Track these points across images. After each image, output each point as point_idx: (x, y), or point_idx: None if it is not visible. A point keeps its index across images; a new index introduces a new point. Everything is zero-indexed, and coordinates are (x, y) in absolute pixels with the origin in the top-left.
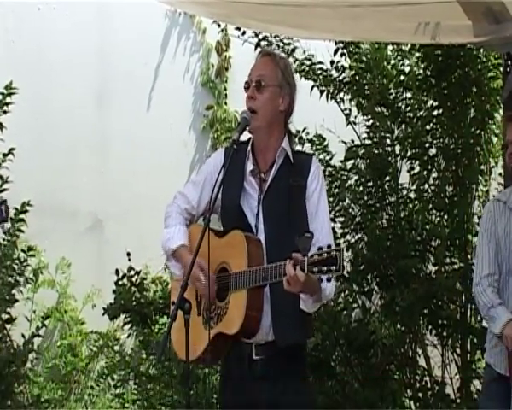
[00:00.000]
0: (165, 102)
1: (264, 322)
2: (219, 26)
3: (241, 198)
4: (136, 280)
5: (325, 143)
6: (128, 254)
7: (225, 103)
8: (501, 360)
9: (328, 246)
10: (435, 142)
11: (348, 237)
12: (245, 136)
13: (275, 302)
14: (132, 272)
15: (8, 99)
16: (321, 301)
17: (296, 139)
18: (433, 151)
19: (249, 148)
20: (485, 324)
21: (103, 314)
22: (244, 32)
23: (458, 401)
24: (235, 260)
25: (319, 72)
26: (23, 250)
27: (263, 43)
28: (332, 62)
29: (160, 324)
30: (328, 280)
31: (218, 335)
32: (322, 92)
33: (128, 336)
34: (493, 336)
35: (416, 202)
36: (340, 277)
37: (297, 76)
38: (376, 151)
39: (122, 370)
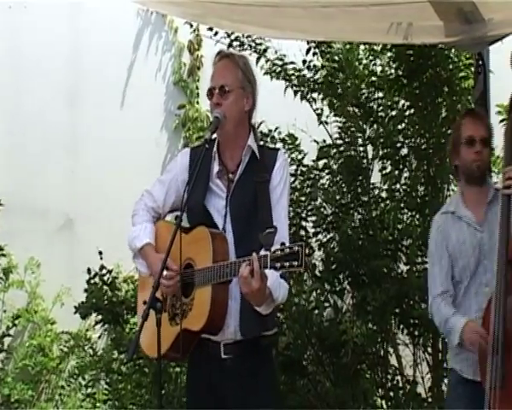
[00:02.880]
0: (137, 102)
1: (232, 320)
2: (191, 26)
3: (206, 199)
4: (108, 279)
5: (297, 142)
6: (100, 252)
7: (197, 102)
8: (467, 366)
9: (282, 243)
10: (407, 141)
11: (320, 237)
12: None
13: (243, 299)
14: (104, 271)
15: None
16: (274, 304)
17: (268, 139)
18: (404, 151)
19: (215, 148)
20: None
21: (75, 313)
22: (216, 33)
23: (430, 400)
24: (200, 256)
25: (291, 72)
26: None
27: (235, 43)
28: (304, 62)
29: (132, 323)
30: (282, 277)
31: (183, 331)
32: (296, 93)
33: (99, 337)
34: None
35: (388, 202)
36: (312, 276)
37: (268, 77)
38: (348, 151)
39: (93, 369)
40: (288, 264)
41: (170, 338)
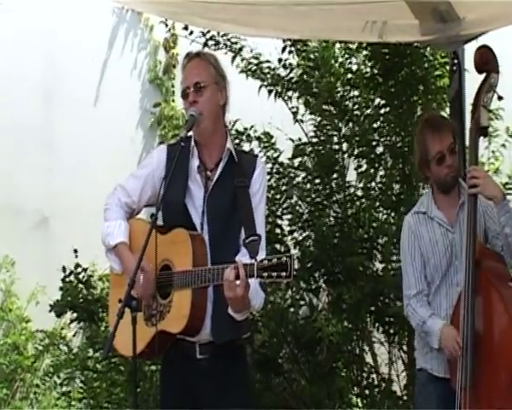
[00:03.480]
0: (113, 99)
1: (207, 321)
2: (167, 25)
3: (186, 197)
4: (83, 277)
5: (273, 140)
6: (75, 251)
7: (173, 100)
8: (438, 364)
9: (269, 253)
10: (382, 140)
11: (296, 235)
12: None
13: (217, 302)
14: (79, 269)
15: None
16: (249, 311)
17: (244, 137)
18: (380, 149)
19: (193, 144)
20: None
21: (50, 311)
22: (192, 32)
23: (405, 397)
24: (179, 258)
25: (267, 70)
26: None
27: (210, 42)
28: (280, 60)
29: (107, 321)
30: (263, 288)
31: (160, 333)
32: (270, 92)
33: (74, 335)
34: (425, 344)
35: (363, 200)
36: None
37: (244, 76)
38: (324, 149)
39: (68, 368)
40: (275, 274)
41: (145, 339)
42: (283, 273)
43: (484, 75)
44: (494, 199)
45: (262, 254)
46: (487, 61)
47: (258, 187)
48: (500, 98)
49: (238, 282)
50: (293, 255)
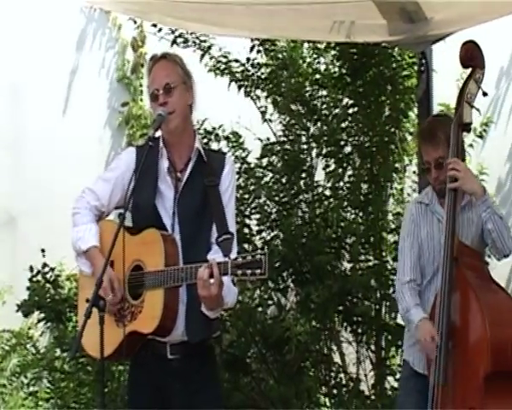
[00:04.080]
0: (81, 98)
1: (179, 321)
2: (135, 22)
3: (156, 198)
4: (51, 277)
5: (241, 140)
6: (42, 250)
7: (141, 100)
8: (419, 359)
9: (245, 251)
10: (350, 140)
11: (264, 234)
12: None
13: (190, 302)
14: (47, 269)
15: None
16: (222, 308)
17: (212, 136)
18: (348, 149)
19: (161, 144)
20: (400, 321)
21: (17, 311)
22: (160, 29)
23: (373, 397)
24: (150, 258)
25: (235, 69)
26: None
27: (179, 40)
28: (248, 59)
29: (75, 321)
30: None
31: (131, 333)
32: (240, 87)
33: (41, 335)
34: (411, 335)
35: (332, 200)
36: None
37: (213, 74)
38: (292, 149)
39: (35, 368)
40: (250, 272)
41: (116, 340)
42: (258, 271)
43: (469, 70)
44: (474, 194)
45: (234, 252)
46: (473, 57)
47: (227, 185)
48: (485, 94)
49: (212, 280)
50: (267, 253)
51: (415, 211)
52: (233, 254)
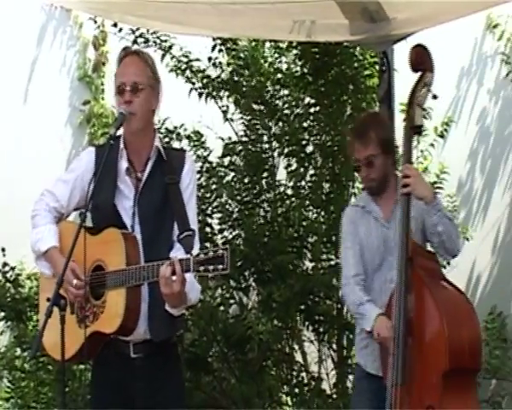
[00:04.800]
0: (41, 97)
1: (142, 320)
2: (95, 22)
3: (115, 198)
4: (11, 276)
5: (203, 139)
6: (3, 249)
7: (102, 98)
8: (372, 361)
9: (205, 247)
10: (312, 139)
11: (226, 234)
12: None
13: (152, 300)
14: (7, 268)
15: None
16: (186, 305)
17: (174, 136)
18: (310, 148)
19: (122, 146)
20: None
21: None
22: (121, 29)
23: (334, 396)
24: (111, 258)
25: (196, 69)
26: None
27: (140, 40)
28: (210, 59)
29: (35, 320)
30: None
31: (94, 333)
32: (200, 95)
33: (1, 334)
34: (363, 338)
35: (293, 199)
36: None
37: (174, 74)
38: (254, 148)
39: None
40: (212, 267)
41: (79, 341)
42: (220, 266)
43: (419, 74)
44: (424, 199)
45: (196, 249)
46: (422, 60)
47: (188, 182)
48: (435, 97)
49: (174, 278)
50: (229, 248)
51: (352, 214)
52: (195, 251)
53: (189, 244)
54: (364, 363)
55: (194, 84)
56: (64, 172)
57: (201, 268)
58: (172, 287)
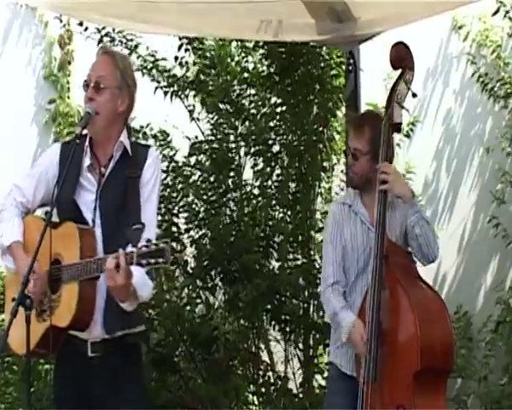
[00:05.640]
0: (7, 96)
1: (98, 316)
2: (61, 21)
3: (76, 193)
4: None
5: (169, 138)
6: None
7: (68, 97)
8: (347, 361)
9: (148, 240)
10: (279, 138)
11: (192, 233)
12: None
13: (109, 295)
14: None
15: None
16: (138, 301)
17: (140, 135)
18: (276, 148)
19: (87, 143)
20: (327, 319)
21: None
22: (86, 28)
23: (301, 395)
24: (67, 251)
25: (162, 69)
26: None
27: (105, 39)
28: (176, 58)
29: (0, 320)
30: (148, 274)
31: (50, 327)
32: (165, 94)
33: None
34: (338, 337)
35: (260, 199)
36: (183, 272)
37: (140, 74)
38: (220, 147)
39: None
40: (153, 261)
41: (37, 334)
42: (160, 260)
43: (399, 71)
44: (403, 197)
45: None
46: (403, 58)
47: (149, 177)
48: (414, 95)
49: (119, 271)
50: (169, 241)
51: (338, 212)
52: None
53: (135, 237)
54: (339, 362)
55: (160, 83)
56: (30, 167)
57: (143, 261)
58: (116, 280)
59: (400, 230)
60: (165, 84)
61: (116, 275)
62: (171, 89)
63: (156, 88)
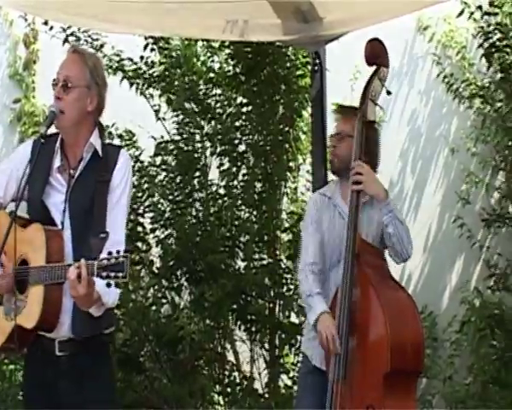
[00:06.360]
0: None
1: (66, 318)
2: (26, 20)
3: (45, 194)
4: None
5: (134, 138)
6: None
7: (33, 97)
8: (317, 354)
9: (118, 252)
10: (245, 138)
11: (158, 233)
12: (53, 129)
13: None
14: None
15: None
16: (104, 307)
17: (106, 134)
18: (242, 148)
19: (58, 143)
20: (294, 319)
21: None
22: (52, 27)
23: (266, 395)
24: (34, 253)
25: (128, 68)
26: None
27: (71, 38)
28: (142, 58)
29: None
30: (108, 286)
31: (18, 327)
32: (131, 85)
33: None
34: (311, 329)
35: (226, 198)
36: (149, 272)
37: (105, 73)
38: (186, 147)
39: None
40: (113, 274)
41: (5, 332)
42: (120, 274)
43: (374, 68)
44: (376, 197)
45: (105, 253)
46: (378, 55)
47: (119, 181)
48: (389, 93)
49: (81, 281)
50: (129, 255)
51: (319, 201)
52: (103, 255)
53: (97, 248)
54: (311, 354)
55: (126, 77)
56: (2, 162)
57: (104, 274)
58: (78, 290)
59: (377, 228)
60: (130, 74)
61: (78, 285)
62: (137, 80)
63: (122, 79)
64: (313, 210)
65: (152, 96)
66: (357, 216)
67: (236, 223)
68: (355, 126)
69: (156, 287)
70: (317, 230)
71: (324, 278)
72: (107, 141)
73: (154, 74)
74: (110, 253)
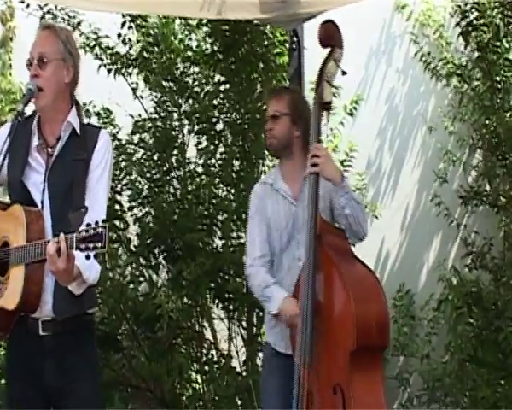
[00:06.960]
0: None
1: (48, 297)
2: None
3: (25, 174)
4: None
5: (112, 116)
6: None
7: (10, 74)
8: (280, 340)
9: (96, 222)
10: (222, 117)
11: (135, 211)
12: (31, 108)
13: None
14: None
15: None
16: (86, 284)
17: (83, 112)
18: (220, 126)
19: (35, 122)
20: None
21: None
22: (28, 5)
23: (244, 373)
24: (14, 234)
25: (105, 46)
26: None
27: (48, 16)
28: (119, 36)
29: None
30: (88, 258)
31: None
32: (109, 71)
33: None
34: (271, 317)
35: (203, 177)
36: (127, 250)
37: (83, 51)
38: (163, 125)
39: None
40: (92, 245)
41: None
42: (99, 244)
43: (328, 50)
44: (332, 180)
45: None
46: (332, 36)
47: (99, 160)
48: (344, 73)
49: (59, 254)
50: (107, 225)
51: (261, 191)
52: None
53: (75, 222)
54: (274, 341)
55: (103, 60)
56: None
57: (83, 246)
58: (57, 264)
59: (324, 204)
60: (108, 61)
61: (57, 260)
62: (115, 66)
63: (100, 66)
64: (255, 200)
65: (130, 74)
66: (317, 198)
67: (214, 201)
68: (288, 103)
69: (134, 265)
70: (262, 219)
71: (277, 263)
72: (87, 121)
73: (132, 56)
74: (89, 224)
